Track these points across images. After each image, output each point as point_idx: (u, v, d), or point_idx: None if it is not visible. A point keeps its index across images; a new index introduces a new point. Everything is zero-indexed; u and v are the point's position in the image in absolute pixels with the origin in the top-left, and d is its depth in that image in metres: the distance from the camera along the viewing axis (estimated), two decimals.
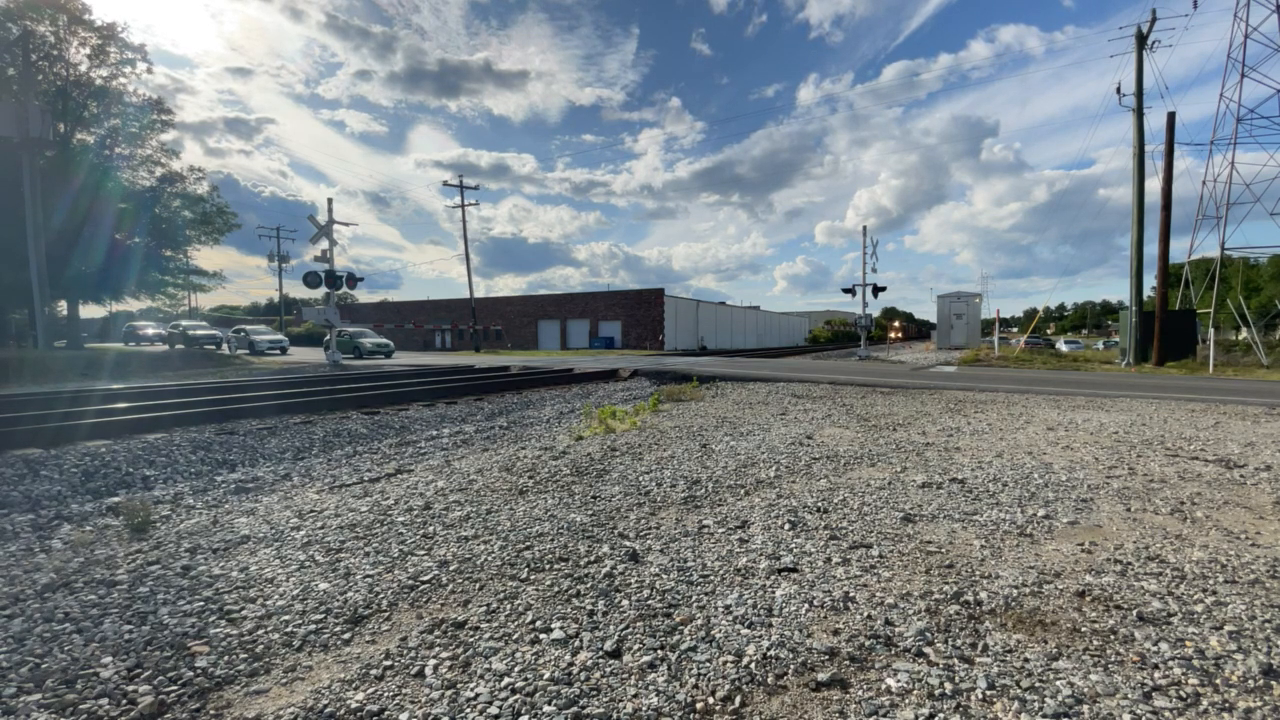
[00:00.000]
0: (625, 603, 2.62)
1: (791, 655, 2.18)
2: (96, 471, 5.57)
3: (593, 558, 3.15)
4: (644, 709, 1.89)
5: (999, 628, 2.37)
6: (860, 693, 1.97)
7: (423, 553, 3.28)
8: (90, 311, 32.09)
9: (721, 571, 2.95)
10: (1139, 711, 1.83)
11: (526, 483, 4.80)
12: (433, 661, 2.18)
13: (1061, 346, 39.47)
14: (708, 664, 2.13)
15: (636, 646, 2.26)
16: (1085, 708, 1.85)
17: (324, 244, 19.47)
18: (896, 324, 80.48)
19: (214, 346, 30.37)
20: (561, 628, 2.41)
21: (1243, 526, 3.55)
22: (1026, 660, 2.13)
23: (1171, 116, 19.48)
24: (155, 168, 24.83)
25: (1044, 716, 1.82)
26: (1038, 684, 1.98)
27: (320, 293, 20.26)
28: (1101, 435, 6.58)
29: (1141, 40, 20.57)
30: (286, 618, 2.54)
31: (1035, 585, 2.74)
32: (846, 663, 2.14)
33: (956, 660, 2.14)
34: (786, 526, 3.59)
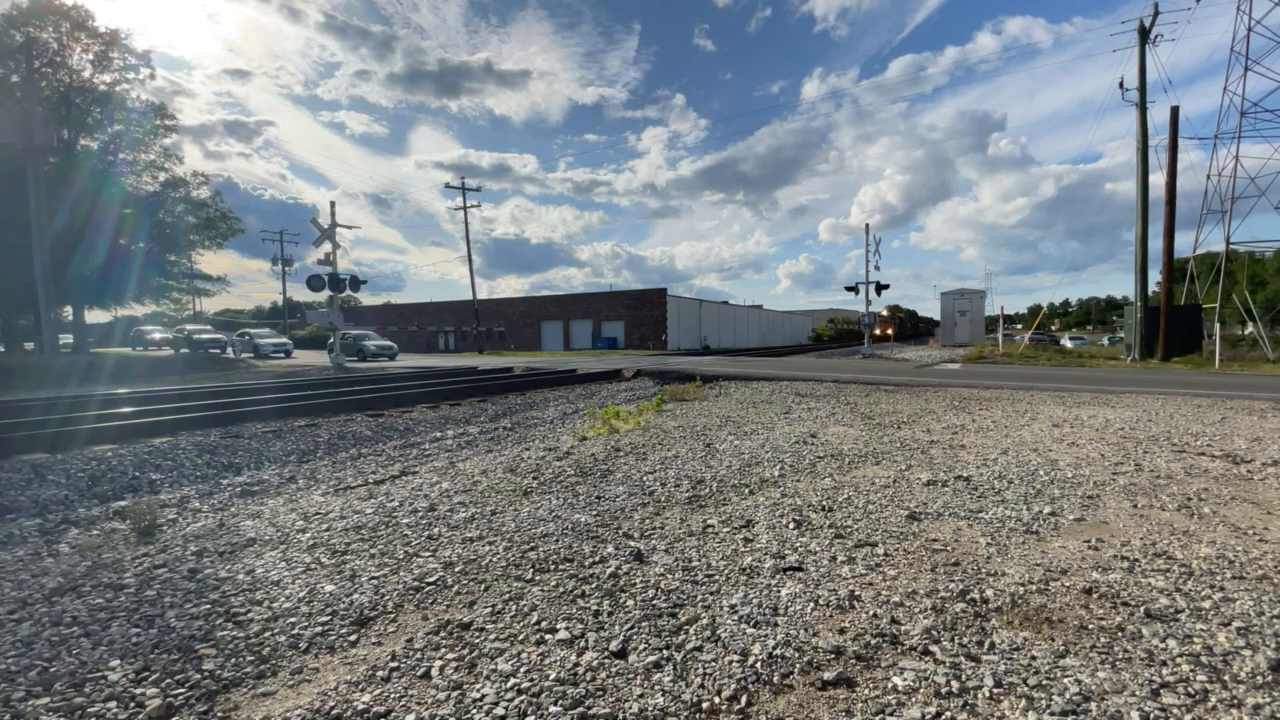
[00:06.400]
0: (630, 603, 2.62)
1: (797, 654, 2.18)
2: (103, 475, 5.59)
3: (597, 558, 3.15)
4: (650, 709, 1.88)
5: (1005, 625, 2.36)
6: (867, 691, 1.96)
7: (428, 554, 3.29)
8: (96, 316, 32.24)
9: (726, 571, 2.94)
10: (1147, 709, 1.82)
11: (531, 483, 4.80)
12: (439, 663, 2.19)
13: (1066, 342, 39.26)
14: (713, 663, 2.13)
15: (642, 646, 2.26)
16: (1093, 705, 1.84)
17: (327, 247, 19.54)
18: (884, 313, 73.93)
19: (219, 350, 30.48)
20: (567, 628, 2.41)
21: (1250, 522, 3.53)
22: (1034, 658, 2.12)
23: (1175, 111, 19.37)
24: (158, 173, 24.95)
25: (1051, 714, 1.81)
26: (1045, 681, 1.97)
27: (324, 296, 20.35)
28: (1107, 431, 6.55)
29: (1144, 34, 20.45)
30: (293, 620, 2.55)
31: (1042, 583, 2.73)
32: (853, 661, 2.13)
33: (963, 658, 2.13)
34: (791, 525, 3.58)
